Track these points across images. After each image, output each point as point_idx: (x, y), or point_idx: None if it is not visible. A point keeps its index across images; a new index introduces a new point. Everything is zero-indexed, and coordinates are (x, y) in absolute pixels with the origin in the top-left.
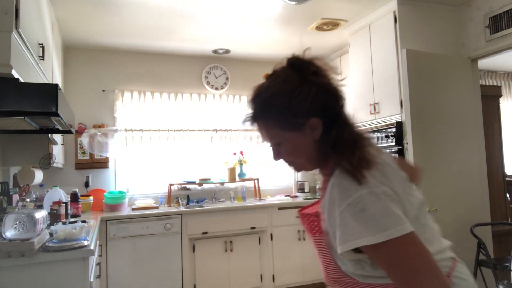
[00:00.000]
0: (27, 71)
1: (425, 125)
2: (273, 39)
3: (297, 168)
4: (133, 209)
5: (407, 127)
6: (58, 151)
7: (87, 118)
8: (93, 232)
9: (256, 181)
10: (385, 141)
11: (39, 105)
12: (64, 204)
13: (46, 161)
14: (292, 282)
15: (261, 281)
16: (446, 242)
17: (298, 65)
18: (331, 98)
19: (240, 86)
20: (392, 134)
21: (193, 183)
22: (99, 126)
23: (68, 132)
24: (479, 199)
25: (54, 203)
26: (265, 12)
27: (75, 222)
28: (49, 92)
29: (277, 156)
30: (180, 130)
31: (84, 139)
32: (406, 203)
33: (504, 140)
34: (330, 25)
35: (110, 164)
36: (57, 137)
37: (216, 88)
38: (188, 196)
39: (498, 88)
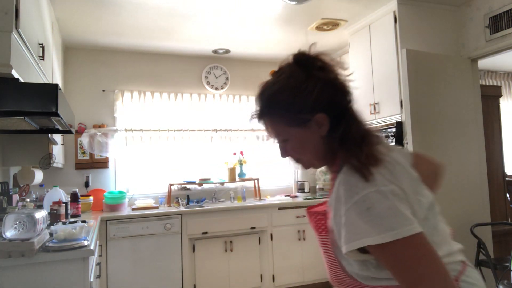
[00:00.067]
0: (27, 71)
1: (425, 125)
2: (273, 39)
3: (305, 165)
4: (133, 209)
5: (407, 127)
6: (58, 151)
7: (87, 118)
8: (93, 232)
9: (256, 181)
10: (385, 141)
11: (39, 105)
12: (64, 204)
13: (46, 161)
14: (292, 282)
15: (261, 281)
16: (457, 245)
17: (304, 61)
18: (338, 93)
19: (240, 86)
20: (392, 134)
21: (193, 183)
22: (99, 126)
23: (68, 132)
24: (479, 199)
25: (54, 203)
26: (265, 12)
27: (75, 222)
28: (49, 92)
29: (284, 153)
30: (180, 130)
31: (84, 139)
32: (415, 203)
33: (504, 140)
34: (330, 25)
35: (110, 164)
36: (57, 137)
37: (216, 88)
38: (188, 196)
39: (498, 88)
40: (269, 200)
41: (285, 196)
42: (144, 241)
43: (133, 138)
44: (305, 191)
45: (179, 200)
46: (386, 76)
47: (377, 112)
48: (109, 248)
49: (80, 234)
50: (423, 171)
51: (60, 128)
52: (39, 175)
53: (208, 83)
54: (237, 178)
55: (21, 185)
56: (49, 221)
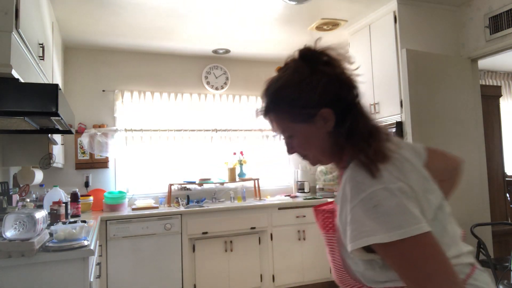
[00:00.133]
0: (27, 71)
1: (425, 125)
2: (273, 39)
3: (312, 162)
4: (133, 209)
5: (407, 127)
6: (58, 151)
7: (87, 118)
8: (93, 232)
9: (256, 181)
10: None
11: (39, 105)
12: (64, 204)
13: (46, 161)
14: (292, 282)
15: (261, 281)
16: (467, 247)
17: (309, 56)
18: (344, 87)
19: (240, 86)
20: (392, 134)
21: (193, 183)
22: (99, 126)
23: (68, 132)
24: (479, 199)
25: (54, 203)
26: (265, 12)
27: (75, 222)
28: (49, 92)
29: (290, 149)
30: (180, 130)
31: (84, 139)
32: (424, 202)
33: (504, 140)
34: (330, 25)
35: (110, 164)
36: (57, 137)
37: (216, 88)
38: (188, 196)
39: (498, 88)
40: (269, 200)
41: (285, 196)
42: (144, 241)
43: (133, 138)
44: (305, 191)
45: (179, 200)
46: (386, 76)
47: (377, 112)
48: (109, 248)
49: (80, 234)
50: (439, 166)
51: (60, 128)
52: (39, 175)
53: (208, 83)
54: (237, 178)
55: (21, 185)
56: (49, 221)
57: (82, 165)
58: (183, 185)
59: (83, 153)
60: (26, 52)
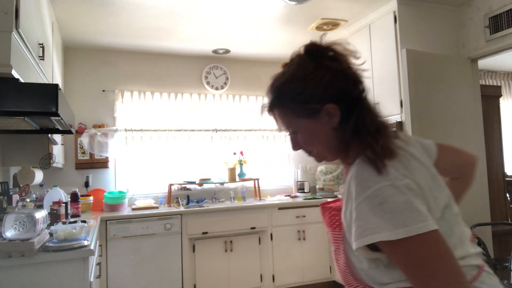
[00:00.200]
0: (27, 71)
1: (425, 125)
2: (273, 39)
3: (317, 159)
4: (133, 209)
5: (407, 127)
6: (58, 151)
7: (87, 118)
8: (93, 232)
9: (256, 181)
10: None
11: (39, 105)
12: (64, 204)
13: (46, 161)
14: (292, 282)
15: (261, 281)
16: (475, 248)
17: (314, 51)
18: (349, 83)
19: (240, 86)
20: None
21: (193, 183)
22: (99, 126)
23: (68, 132)
24: (479, 199)
25: (54, 203)
26: (265, 12)
27: (75, 222)
28: (49, 92)
29: (295, 146)
30: (180, 130)
31: (84, 139)
32: (431, 200)
33: (504, 140)
34: (330, 25)
35: (110, 164)
36: (57, 137)
37: (216, 88)
38: (188, 196)
39: (498, 88)
40: (269, 200)
41: (285, 196)
42: (144, 241)
43: (133, 138)
44: (305, 191)
45: (179, 200)
46: (386, 76)
47: None
48: (109, 248)
49: (80, 234)
50: (450, 163)
51: (60, 128)
52: (39, 175)
53: (208, 83)
54: (237, 178)
55: (21, 185)
56: (49, 221)
57: (82, 165)
58: (183, 185)
59: (83, 153)
60: (26, 52)
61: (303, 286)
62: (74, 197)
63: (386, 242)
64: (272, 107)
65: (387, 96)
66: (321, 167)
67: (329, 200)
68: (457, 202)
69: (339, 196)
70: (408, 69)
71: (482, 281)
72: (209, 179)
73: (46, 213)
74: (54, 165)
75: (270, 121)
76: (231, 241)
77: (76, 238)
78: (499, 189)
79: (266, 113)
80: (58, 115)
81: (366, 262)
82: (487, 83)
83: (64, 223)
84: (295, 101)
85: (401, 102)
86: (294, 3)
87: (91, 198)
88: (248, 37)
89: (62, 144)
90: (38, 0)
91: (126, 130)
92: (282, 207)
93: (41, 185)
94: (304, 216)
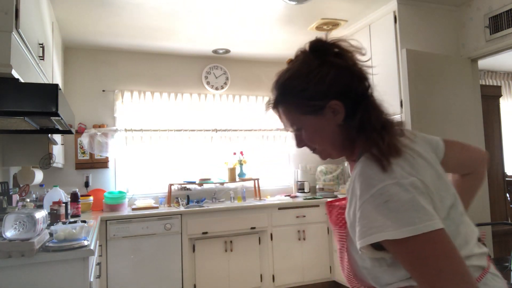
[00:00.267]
0: (27, 71)
1: (425, 125)
2: (273, 39)
3: (322, 156)
4: (133, 209)
5: (407, 127)
6: (58, 151)
7: (87, 118)
8: (93, 232)
9: (256, 181)
10: None
11: (39, 105)
12: (64, 204)
13: (46, 161)
14: (292, 282)
15: (261, 281)
16: (480, 248)
17: (319, 48)
18: (354, 79)
19: (240, 86)
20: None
21: (193, 183)
22: (99, 126)
23: (68, 132)
24: (479, 199)
25: (54, 203)
26: (265, 12)
27: (75, 222)
28: (49, 92)
29: (299, 143)
30: (180, 130)
31: (84, 139)
32: (437, 199)
33: (504, 140)
34: (330, 25)
35: (110, 164)
36: (57, 137)
37: (216, 88)
38: (188, 196)
39: (498, 88)
40: (269, 200)
41: (285, 196)
42: (144, 241)
43: (133, 138)
44: (305, 191)
45: (179, 200)
46: (386, 76)
47: None
48: (109, 248)
49: (80, 234)
50: (459, 159)
51: (60, 128)
52: (39, 175)
53: (208, 83)
54: (237, 178)
55: (21, 185)
56: (49, 221)
57: (82, 165)
58: (183, 185)
59: (83, 153)
60: (26, 52)
61: (303, 286)
62: (74, 197)
63: (391, 241)
64: (277, 104)
65: (387, 96)
66: (321, 167)
67: (329, 200)
68: (470, 200)
69: (341, 196)
70: (408, 69)
71: (485, 283)
72: (209, 179)
73: (46, 213)
74: (54, 165)
75: (270, 121)
76: (231, 241)
77: (76, 238)
78: (499, 189)
79: (270, 110)
80: (58, 115)
81: (370, 261)
82: (487, 83)
83: (64, 223)
84: (299, 98)
85: (401, 102)
86: (294, 3)
87: (91, 198)
88: (248, 37)
89: (62, 144)
90: (38, 0)
91: (126, 130)
92: (282, 207)
93: (41, 185)
94: (304, 216)
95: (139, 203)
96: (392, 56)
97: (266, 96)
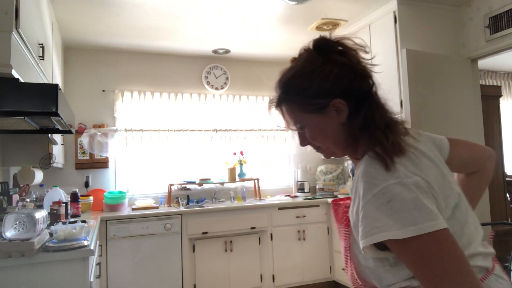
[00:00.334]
0: (27, 71)
1: (425, 125)
2: (273, 39)
3: (326, 154)
4: (133, 209)
5: (407, 127)
6: (58, 151)
7: (87, 118)
8: (93, 232)
9: (256, 181)
10: None
11: (39, 105)
12: (64, 204)
13: (46, 161)
14: (292, 282)
15: (261, 281)
16: (486, 248)
17: (323, 46)
18: (357, 77)
19: (240, 86)
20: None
21: (193, 183)
22: (99, 126)
23: (68, 132)
24: None
25: (54, 203)
26: (265, 12)
27: (75, 222)
28: (49, 92)
29: (303, 141)
30: (180, 130)
31: (84, 139)
32: (441, 198)
33: (504, 140)
34: (330, 25)
35: (110, 164)
36: (57, 137)
37: (216, 88)
38: (188, 196)
39: (498, 88)
40: (269, 200)
41: (285, 196)
42: (144, 241)
43: (133, 138)
44: (305, 191)
45: (179, 200)
46: (386, 76)
47: None
48: (109, 248)
49: (80, 234)
50: (464, 157)
51: (60, 128)
52: (39, 175)
53: (208, 83)
54: (237, 178)
55: (21, 185)
56: (49, 221)
57: (82, 165)
58: (183, 185)
59: (83, 153)
60: (26, 52)
61: (303, 286)
62: (74, 197)
63: (394, 241)
64: (280, 103)
65: (387, 96)
66: (321, 167)
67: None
68: (477, 199)
69: (341, 196)
70: (408, 69)
71: (488, 285)
72: (209, 179)
73: (46, 213)
74: (54, 165)
75: (270, 121)
76: (231, 241)
77: (76, 238)
78: (499, 189)
79: (272, 109)
80: (58, 115)
81: (373, 261)
82: (487, 83)
83: (64, 223)
84: (302, 96)
85: (401, 102)
86: (294, 3)
87: (91, 198)
88: (248, 37)
89: (62, 144)
90: (38, 0)
91: (126, 130)
92: (282, 207)
93: (41, 185)
94: (304, 216)
95: (139, 203)
96: (392, 56)
97: (266, 96)
